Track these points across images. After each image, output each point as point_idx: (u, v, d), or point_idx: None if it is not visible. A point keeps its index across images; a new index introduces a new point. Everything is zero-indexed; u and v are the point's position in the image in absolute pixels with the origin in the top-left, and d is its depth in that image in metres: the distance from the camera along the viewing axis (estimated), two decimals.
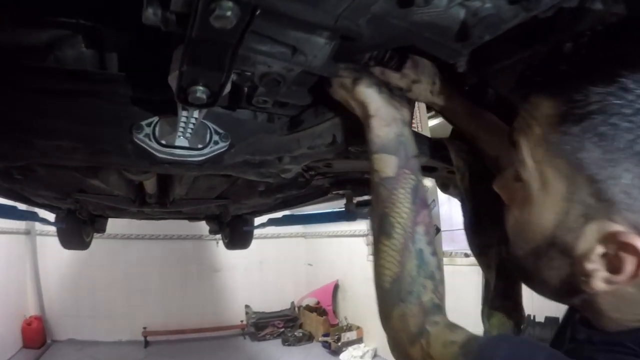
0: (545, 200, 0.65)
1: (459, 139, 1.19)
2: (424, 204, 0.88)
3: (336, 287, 8.86)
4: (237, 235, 3.96)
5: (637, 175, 0.56)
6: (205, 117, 1.01)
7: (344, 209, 2.89)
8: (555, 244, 0.65)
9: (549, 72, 0.66)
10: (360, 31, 0.79)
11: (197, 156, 1.04)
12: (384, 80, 0.99)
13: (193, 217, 3.67)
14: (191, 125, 0.90)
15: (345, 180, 2.04)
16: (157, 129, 0.99)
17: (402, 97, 1.00)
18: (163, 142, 1.00)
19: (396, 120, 0.93)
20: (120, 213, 2.84)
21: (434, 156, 1.24)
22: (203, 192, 2.18)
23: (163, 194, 2.07)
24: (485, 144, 1.14)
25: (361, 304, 7.77)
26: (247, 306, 8.97)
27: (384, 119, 0.92)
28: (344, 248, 8.58)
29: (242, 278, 9.06)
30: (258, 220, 3.85)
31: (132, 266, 8.10)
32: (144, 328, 7.89)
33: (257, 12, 0.57)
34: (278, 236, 9.17)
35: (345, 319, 8.50)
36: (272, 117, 1.16)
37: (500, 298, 1.11)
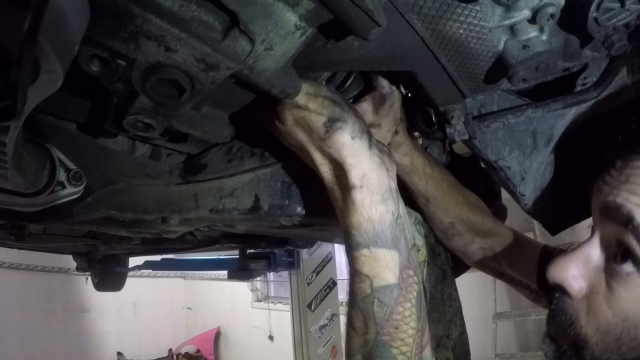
0: None
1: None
2: (426, 315, 0.69)
3: (218, 335, 8.47)
4: (109, 276, 3.58)
5: None
6: (49, 137, 0.63)
7: (232, 258, 2.59)
8: None
9: None
10: (375, 18, 0.46)
11: (25, 206, 0.63)
12: None
13: (59, 252, 3.27)
14: None
15: (240, 233, 1.76)
16: None
17: (389, 149, 0.73)
18: None
19: (392, 193, 0.65)
20: None
21: None
22: (66, 230, 1.90)
23: (18, 226, 1.72)
24: (442, 208, 0.98)
25: (245, 353, 7.48)
26: (119, 354, 8.20)
27: (377, 192, 0.63)
28: (226, 293, 8.35)
29: (114, 321, 8.31)
30: (134, 261, 3.53)
31: None
32: None
33: None
34: (155, 276, 8.48)
35: None
36: (160, 151, 0.78)
37: None
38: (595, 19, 0.58)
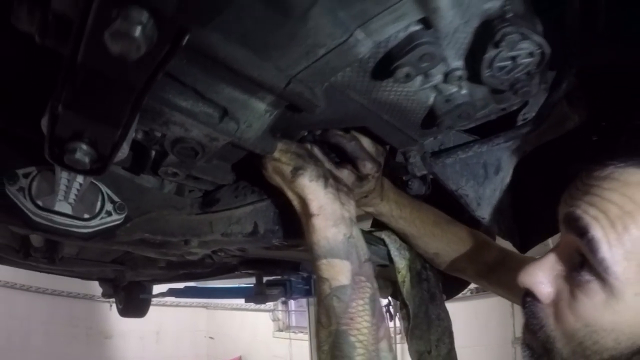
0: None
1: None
2: (382, 314, 0.79)
3: None
4: (133, 302, 3.68)
5: None
6: (103, 179, 0.84)
7: (251, 286, 2.71)
8: None
9: None
10: (313, 102, 0.65)
11: (81, 227, 0.84)
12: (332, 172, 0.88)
13: (86, 277, 3.32)
14: (75, 191, 0.70)
15: (255, 259, 1.89)
16: (34, 184, 0.79)
17: (348, 189, 0.88)
18: (40, 203, 0.79)
19: (344, 219, 0.81)
20: (1, 260, 2.48)
21: (376, 253, 1.13)
22: (96, 255, 2.03)
23: (51, 250, 1.84)
24: (421, 241, 1.10)
25: None
26: None
27: (330, 218, 0.80)
28: (248, 322, 8.38)
29: (136, 348, 8.27)
30: (157, 289, 3.61)
31: (13, 320, 7.11)
32: None
33: (185, 40, 0.38)
34: (178, 305, 8.54)
35: None
36: (183, 188, 0.97)
37: None
38: (492, 76, 0.68)
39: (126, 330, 8.08)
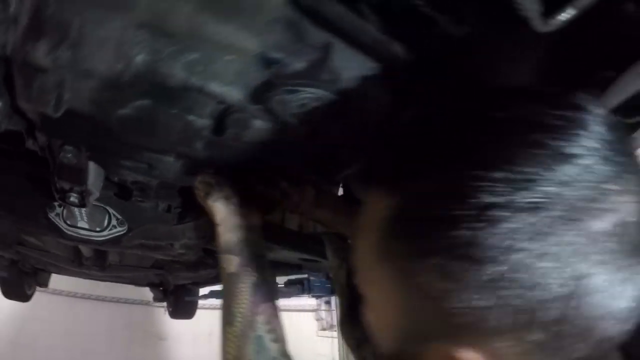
0: (384, 312, 0.54)
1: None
2: (265, 298, 0.97)
3: None
4: (181, 304, 3.88)
5: (490, 299, 0.44)
6: (110, 204, 1.20)
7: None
8: (404, 354, 0.54)
9: (383, 163, 0.54)
10: (197, 155, 0.94)
11: (96, 237, 1.22)
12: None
13: (136, 282, 3.61)
14: (84, 214, 1.09)
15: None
16: (64, 210, 1.18)
17: (257, 205, 1.12)
18: (68, 222, 1.17)
19: (241, 227, 1.04)
20: (61, 270, 2.82)
21: (310, 252, 1.40)
22: (136, 261, 2.31)
23: (99, 258, 2.13)
24: None
25: None
26: None
27: (228, 226, 1.04)
28: (292, 322, 7.78)
29: (190, 349, 8.11)
30: (203, 291, 3.86)
31: (76, 326, 7.21)
32: None
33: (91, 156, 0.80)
34: None
35: None
36: (171, 207, 1.32)
37: None
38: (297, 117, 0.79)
39: (180, 332, 7.91)
